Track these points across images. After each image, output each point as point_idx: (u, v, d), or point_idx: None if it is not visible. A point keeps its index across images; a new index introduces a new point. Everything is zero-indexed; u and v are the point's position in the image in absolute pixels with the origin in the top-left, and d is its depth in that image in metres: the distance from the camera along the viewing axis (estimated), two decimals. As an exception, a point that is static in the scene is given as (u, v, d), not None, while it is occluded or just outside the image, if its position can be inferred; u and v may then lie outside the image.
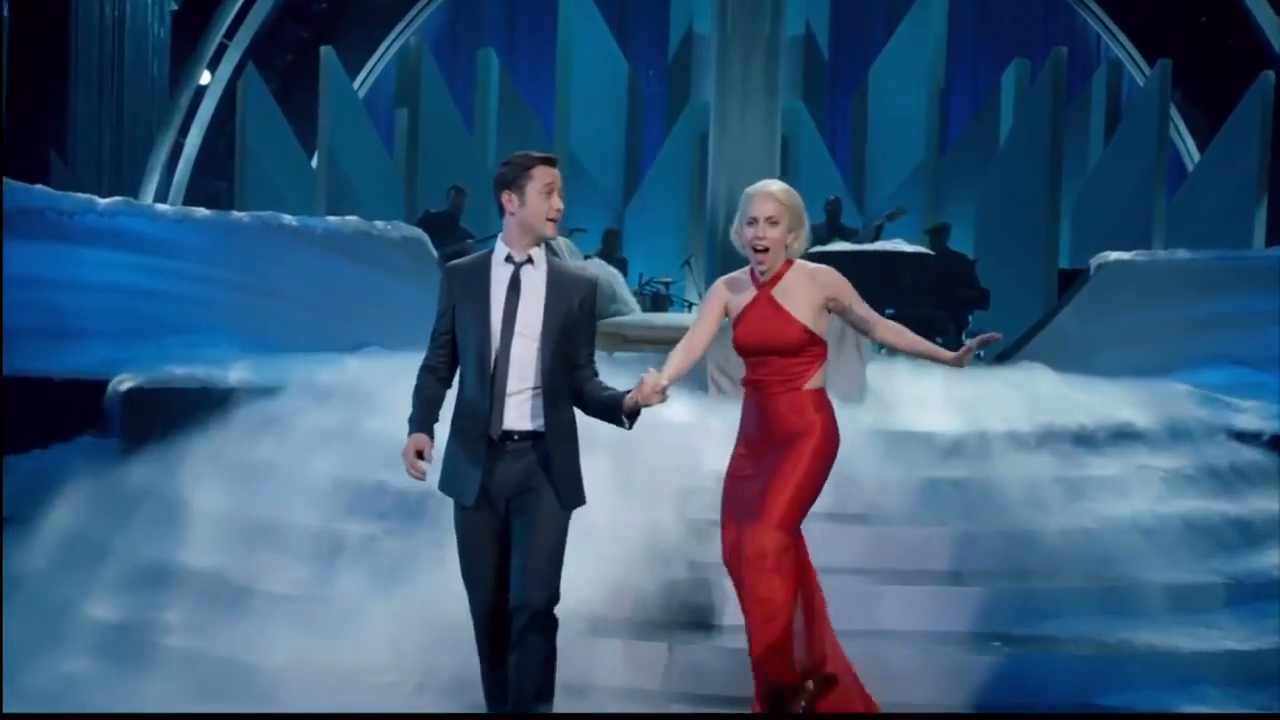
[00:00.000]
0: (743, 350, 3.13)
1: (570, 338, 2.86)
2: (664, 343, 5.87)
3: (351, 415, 4.63)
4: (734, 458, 3.15)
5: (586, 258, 6.96)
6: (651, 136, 13.24)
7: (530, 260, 2.87)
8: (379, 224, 7.19)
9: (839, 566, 3.83)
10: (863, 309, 3.15)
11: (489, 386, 2.82)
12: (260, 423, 4.82)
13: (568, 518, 2.87)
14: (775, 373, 3.07)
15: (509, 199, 2.85)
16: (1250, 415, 5.58)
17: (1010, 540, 4.07)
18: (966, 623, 3.82)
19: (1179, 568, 4.09)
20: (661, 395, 2.78)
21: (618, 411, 2.83)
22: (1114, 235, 9.56)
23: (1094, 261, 7.74)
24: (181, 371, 5.59)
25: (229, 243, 6.97)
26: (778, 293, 3.09)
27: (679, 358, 3.09)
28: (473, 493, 2.84)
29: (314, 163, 10.77)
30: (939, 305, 8.91)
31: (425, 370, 2.96)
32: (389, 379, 4.83)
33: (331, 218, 7.52)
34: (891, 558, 4.09)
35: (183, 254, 6.85)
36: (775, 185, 3.13)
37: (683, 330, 6.29)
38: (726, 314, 3.16)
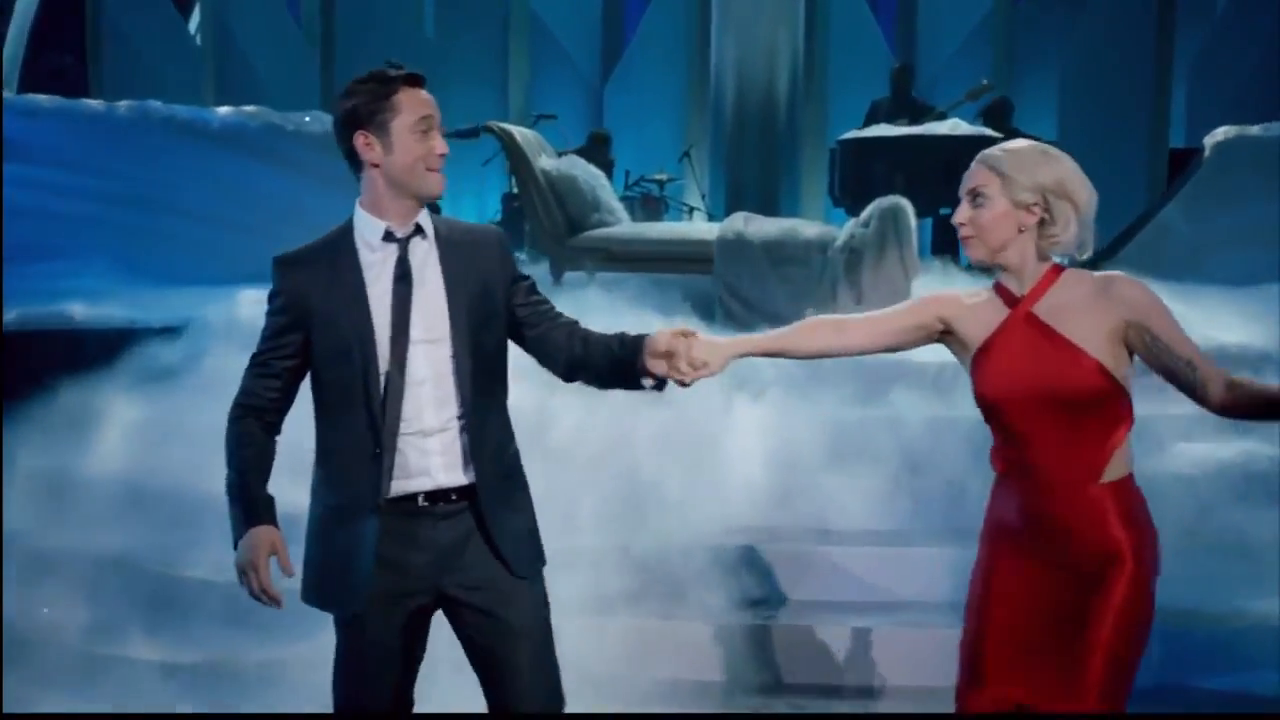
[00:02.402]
0: (993, 406, 2.53)
1: (494, 330, 2.54)
2: (660, 259, 6.07)
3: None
4: (991, 559, 2.59)
5: (560, 154, 7.08)
6: (636, -9, 13.29)
7: (419, 231, 2.53)
8: (292, 116, 7.27)
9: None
10: (1186, 346, 2.46)
11: (375, 427, 2.43)
12: (153, 372, 5.00)
13: (544, 597, 2.58)
14: (1051, 449, 2.48)
15: (366, 144, 2.48)
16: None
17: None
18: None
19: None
20: (708, 368, 2.57)
21: (636, 372, 2.56)
22: (1241, 105, 9.66)
23: (1209, 140, 7.87)
24: (48, 311, 5.73)
25: (96, 141, 7.00)
26: (1043, 312, 2.51)
27: (783, 339, 2.70)
28: (360, 598, 2.46)
29: (196, 35, 10.81)
30: (1009, 202, 9.03)
31: (244, 412, 2.52)
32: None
33: (227, 108, 7.60)
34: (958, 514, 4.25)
35: (34, 157, 6.85)
36: (1001, 147, 2.60)
37: (688, 244, 6.55)
38: (943, 336, 2.62)
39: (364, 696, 2.52)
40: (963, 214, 2.54)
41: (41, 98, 7.59)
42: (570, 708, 2.59)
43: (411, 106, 2.48)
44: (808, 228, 6.10)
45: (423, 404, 2.46)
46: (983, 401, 2.53)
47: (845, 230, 5.93)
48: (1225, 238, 7.31)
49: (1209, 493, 4.28)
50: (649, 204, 10.04)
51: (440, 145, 2.51)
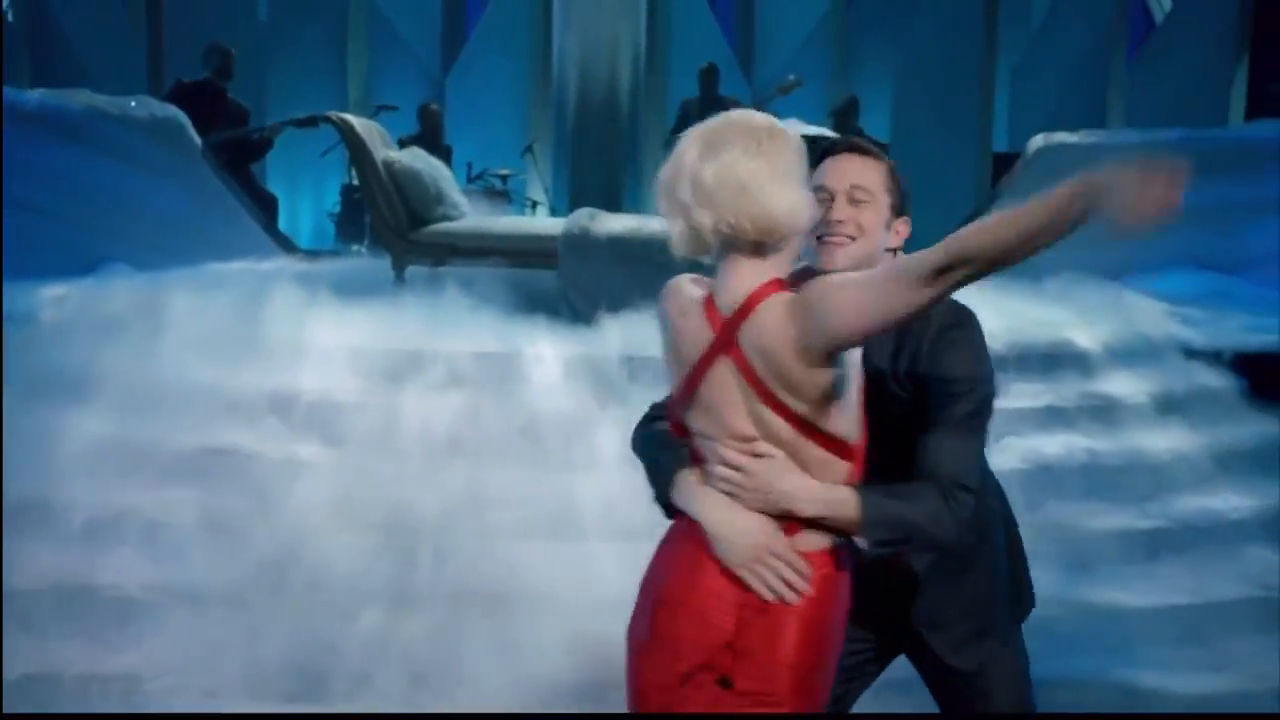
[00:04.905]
0: None
1: None
2: (505, 254, 5.98)
3: (88, 358, 4.57)
4: None
5: (400, 144, 6.93)
6: (478, -18, 13.16)
7: None
8: (118, 101, 6.95)
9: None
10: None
11: None
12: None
13: None
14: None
15: None
16: (1211, 330, 6.10)
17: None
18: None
19: (1119, 511, 4.49)
20: None
21: None
22: (1061, 111, 10.06)
23: (1031, 145, 8.16)
24: None
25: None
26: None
27: None
28: None
29: (8, 11, 10.26)
30: (847, 201, 9.22)
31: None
32: (139, 310, 4.81)
33: (45, 90, 7.21)
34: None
35: None
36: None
37: (533, 239, 6.48)
38: None
39: None
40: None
41: None
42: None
43: None
44: (652, 224, 6.09)
45: None
46: None
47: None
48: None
49: (1039, 485, 4.43)
50: (493, 198, 9.95)
51: None
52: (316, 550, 3.84)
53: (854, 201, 2.35)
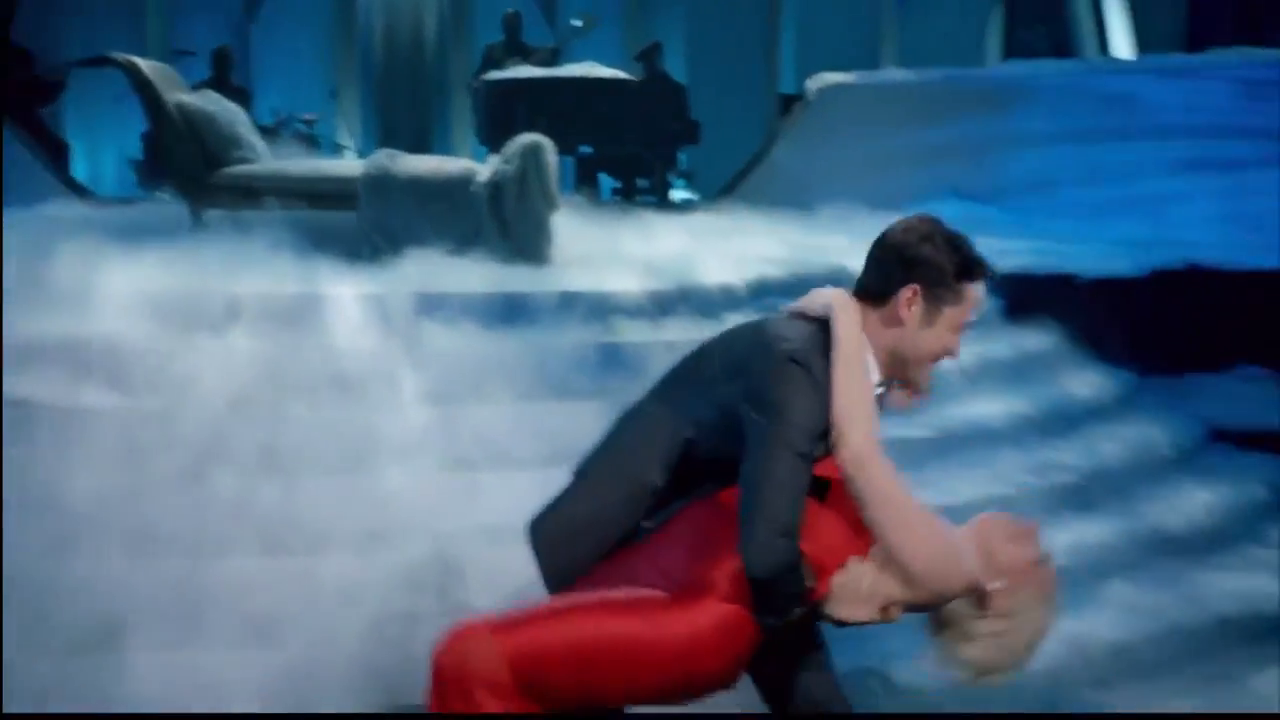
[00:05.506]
0: None
1: None
2: (305, 196, 5.74)
3: None
4: None
5: (195, 88, 6.55)
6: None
7: None
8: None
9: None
10: None
11: None
12: None
13: None
14: None
15: None
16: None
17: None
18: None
19: (888, 422, 4.59)
20: None
21: None
22: (840, 53, 10.22)
23: (810, 85, 8.27)
24: None
25: None
26: None
27: None
28: None
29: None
30: (643, 141, 9.23)
31: None
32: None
33: None
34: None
35: None
36: None
37: (333, 180, 6.23)
38: None
39: None
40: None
41: None
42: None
43: None
44: (451, 164, 5.94)
45: None
46: None
47: (488, 167, 5.82)
48: (827, 173, 7.75)
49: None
50: (299, 142, 9.56)
51: None
52: (112, 500, 3.61)
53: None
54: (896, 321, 2.28)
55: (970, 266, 2.28)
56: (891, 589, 2.14)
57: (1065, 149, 7.92)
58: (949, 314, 2.29)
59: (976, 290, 2.30)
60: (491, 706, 2.07)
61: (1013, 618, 2.14)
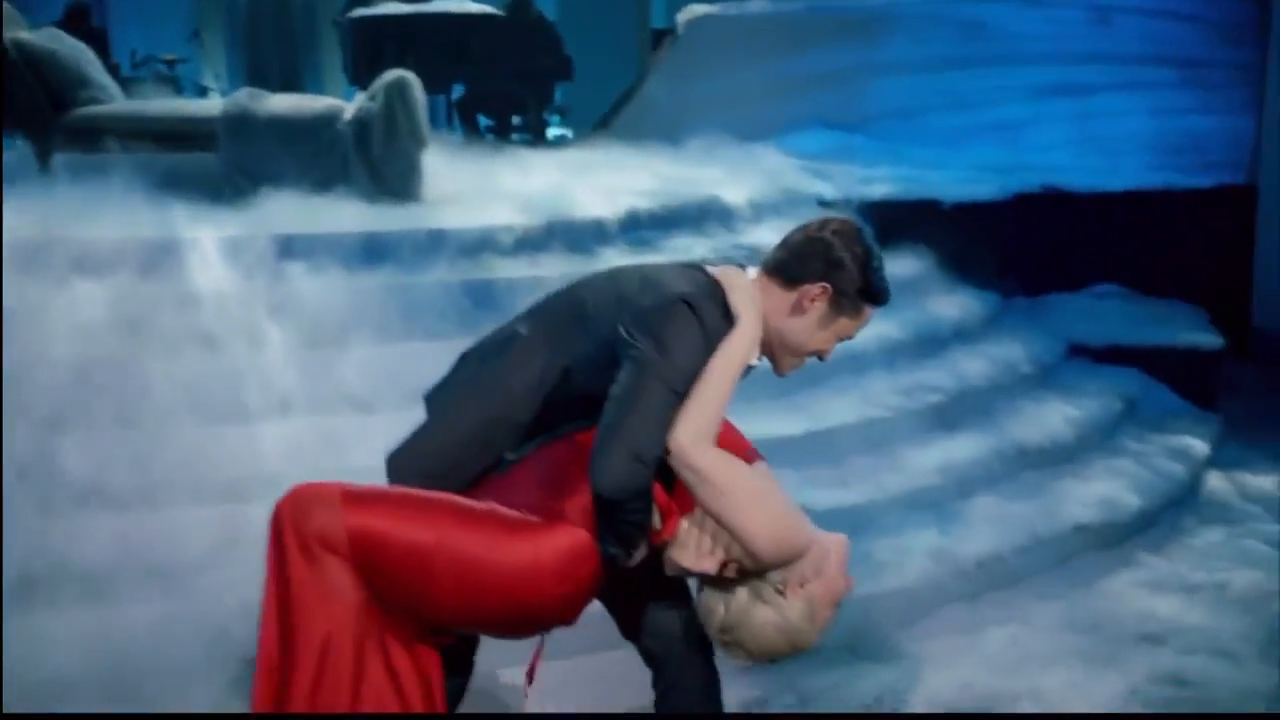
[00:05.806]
0: None
1: None
2: (160, 137, 5.37)
3: None
4: None
5: (35, 27, 6.07)
6: None
7: None
8: None
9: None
10: None
11: None
12: None
13: None
14: None
15: None
16: (840, 182, 6.25)
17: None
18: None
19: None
20: None
21: None
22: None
23: (680, 18, 8.08)
24: None
25: None
26: None
27: None
28: None
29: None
30: (516, 78, 8.95)
31: None
32: None
33: None
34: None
35: None
36: None
37: (190, 121, 5.87)
38: None
39: None
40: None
41: None
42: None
43: None
44: (315, 102, 5.62)
45: None
46: None
47: (353, 104, 5.52)
48: (698, 105, 7.59)
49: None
50: (162, 85, 9.04)
51: None
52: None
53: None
54: (798, 310, 2.28)
55: (878, 291, 2.31)
56: (734, 551, 2.15)
57: (927, 77, 7.89)
58: (841, 323, 2.31)
59: (870, 313, 2.34)
60: (326, 566, 2.03)
61: (803, 612, 2.15)
